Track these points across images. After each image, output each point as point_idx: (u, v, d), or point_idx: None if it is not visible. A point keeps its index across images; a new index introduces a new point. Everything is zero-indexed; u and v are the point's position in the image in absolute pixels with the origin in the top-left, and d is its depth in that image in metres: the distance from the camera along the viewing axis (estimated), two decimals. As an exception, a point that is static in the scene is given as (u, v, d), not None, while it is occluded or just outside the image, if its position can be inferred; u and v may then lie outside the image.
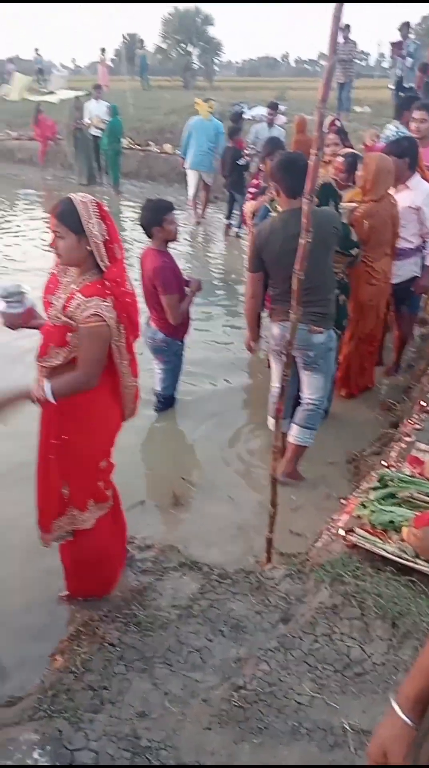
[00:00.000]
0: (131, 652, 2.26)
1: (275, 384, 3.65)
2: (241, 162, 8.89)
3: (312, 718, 1.97)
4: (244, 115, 11.20)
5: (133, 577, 2.85)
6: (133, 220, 10.01)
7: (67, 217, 2.21)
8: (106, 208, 2.30)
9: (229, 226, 9.53)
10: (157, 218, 3.84)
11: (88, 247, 2.24)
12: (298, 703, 2.02)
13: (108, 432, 2.58)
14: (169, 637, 2.31)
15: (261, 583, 2.55)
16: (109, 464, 2.63)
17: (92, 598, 2.75)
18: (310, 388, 3.54)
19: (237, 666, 2.18)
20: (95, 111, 12.48)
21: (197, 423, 4.40)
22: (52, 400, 2.33)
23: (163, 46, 37.66)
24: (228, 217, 9.53)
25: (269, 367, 3.93)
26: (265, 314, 4.10)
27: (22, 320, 2.53)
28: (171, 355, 4.25)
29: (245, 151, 9.11)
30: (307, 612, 2.34)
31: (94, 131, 12.57)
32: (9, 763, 1.79)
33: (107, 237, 2.26)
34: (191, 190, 10.30)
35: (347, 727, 1.92)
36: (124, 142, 12.91)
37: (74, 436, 2.45)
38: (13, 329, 2.57)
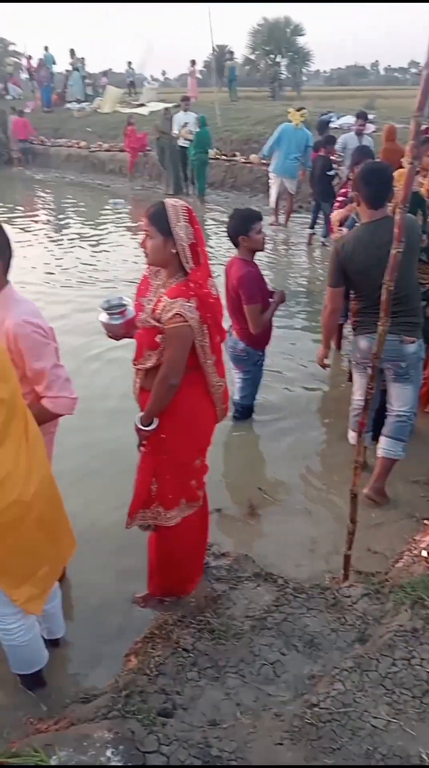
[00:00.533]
0: (204, 659, 2.26)
1: (357, 397, 3.58)
2: (331, 172, 8.82)
3: (387, 743, 1.91)
4: (330, 124, 11.13)
5: (208, 584, 2.85)
6: (217, 230, 10.12)
7: (156, 219, 2.32)
8: (194, 214, 2.38)
9: (312, 235, 9.47)
10: (244, 227, 3.86)
11: (174, 250, 2.33)
12: (373, 726, 1.96)
13: (203, 431, 2.64)
14: (242, 648, 2.30)
15: (337, 601, 2.50)
16: (204, 464, 2.67)
17: (171, 597, 2.78)
18: (401, 399, 3.45)
19: (310, 683, 2.15)
20: (183, 122, 12.74)
21: (275, 434, 4.38)
22: (146, 428, 2.46)
23: (252, 57, 37.92)
24: (312, 227, 9.47)
25: (350, 380, 3.86)
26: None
27: (123, 330, 2.67)
28: (251, 365, 4.25)
29: (332, 158, 9.03)
30: (385, 634, 2.27)
31: (182, 142, 12.83)
32: (84, 758, 1.83)
33: (193, 240, 2.35)
34: (273, 196, 10.32)
35: (425, 757, 1.85)
36: (211, 152, 13.09)
37: (171, 435, 2.51)
38: (115, 339, 2.72)
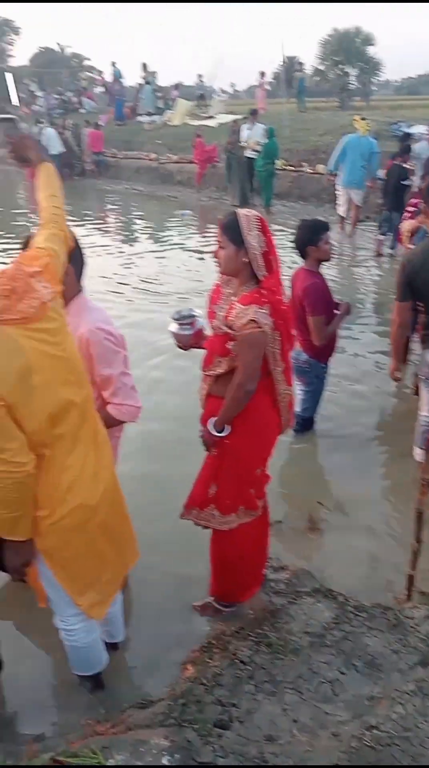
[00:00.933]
0: (261, 673, 2.25)
1: (425, 413, 3.49)
2: (406, 182, 8.67)
3: (450, 773, 1.84)
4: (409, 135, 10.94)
5: (266, 597, 2.84)
6: (283, 240, 10.10)
7: (229, 229, 2.36)
8: (267, 223, 2.40)
9: (381, 244, 9.31)
10: (312, 238, 3.84)
11: (245, 259, 2.36)
12: (436, 754, 1.90)
13: (267, 440, 2.65)
14: (300, 664, 2.27)
15: (399, 622, 2.44)
16: (265, 474, 2.67)
17: (229, 608, 2.78)
18: None
19: (370, 704, 2.10)
20: (251, 134, 12.82)
21: (336, 448, 4.32)
22: (219, 434, 2.50)
23: (321, 67, 37.77)
24: (384, 234, 9.29)
25: (416, 394, 3.78)
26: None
27: (192, 341, 2.74)
28: (313, 377, 4.21)
29: (407, 167, 8.86)
30: (449, 658, 2.20)
31: (249, 153, 12.90)
32: (140, 764, 1.85)
33: (266, 249, 2.37)
34: (342, 208, 10.22)
35: None
36: (278, 163, 13.10)
37: (235, 441, 2.52)
38: (184, 349, 2.78)
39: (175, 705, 2.13)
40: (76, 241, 2.31)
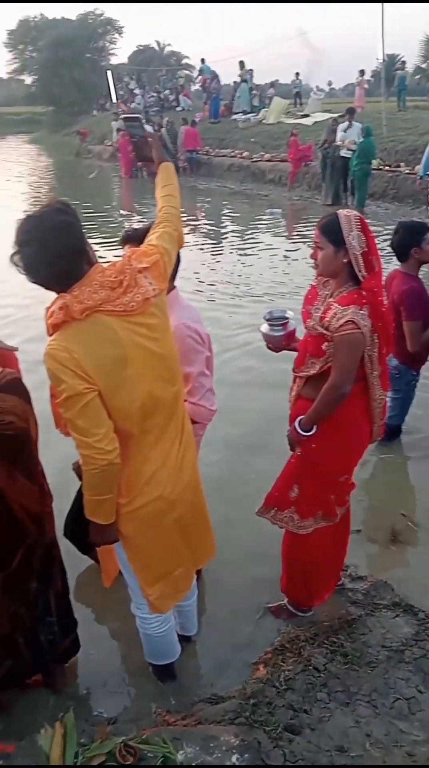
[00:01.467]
0: (335, 682, 2.21)
1: None
2: None
3: None
4: None
5: (342, 606, 2.78)
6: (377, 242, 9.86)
7: (328, 230, 2.32)
8: (367, 222, 2.35)
9: None
10: (416, 239, 3.71)
11: (345, 260, 2.32)
12: None
13: (355, 448, 2.59)
14: (376, 678, 2.22)
15: None
16: (349, 482, 2.61)
17: (303, 612, 2.76)
18: None
19: (448, 728, 2.02)
20: (347, 133, 12.59)
21: (423, 458, 4.17)
22: (305, 434, 2.46)
23: (423, 66, 36.62)
24: None
25: None
26: None
27: (283, 342, 2.70)
28: (403, 384, 4.08)
29: None
30: None
31: (344, 152, 12.68)
32: (209, 759, 1.86)
33: (366, 249, 2.32)
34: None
35: None
36: (374, 162, 12.81)
37: (321, 445, 2.49)
38: (273, 351, 2.76)
39: (246, 704, 2.13)
40: None
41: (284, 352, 2.77)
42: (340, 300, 2.33)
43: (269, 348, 2.77)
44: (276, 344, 2.73)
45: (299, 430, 2.48)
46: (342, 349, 2.32)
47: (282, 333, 2.68)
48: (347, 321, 2.26)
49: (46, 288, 1.85)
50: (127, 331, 1.87)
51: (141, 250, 2.00)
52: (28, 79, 46.08)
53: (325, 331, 2.33)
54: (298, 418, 2.49)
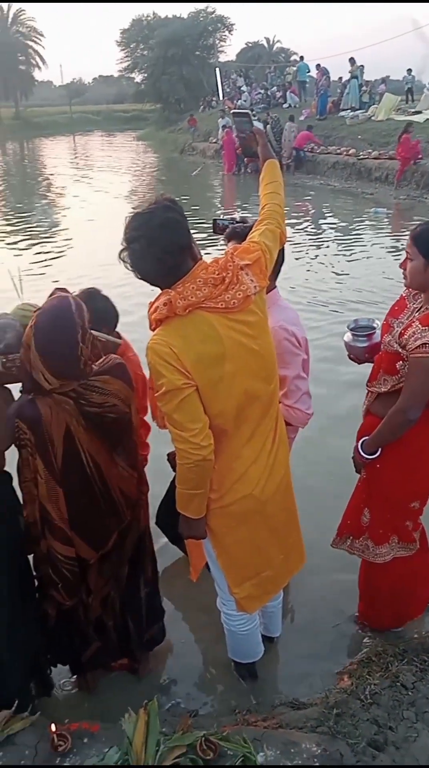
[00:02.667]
0: (424, 702, 2.12)
1: None
2: None
3: None
4: None
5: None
6: None
7: (421, 240, 2.15)
8: None
9: None
10: None
11: None
12: None
13: (422, 474, 2.41)
14: (470, 703, 2.10)
15: None
16: (421, 508, 2.48)
17: (394, 628, 2.67)
18: None
19: None
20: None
21: None
22: (368, 457, 2.37)
23: None
24: None
25: None
26: None
27: (367, 354, 2.56)
28: None
29: None
30: None
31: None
32: (289, 765, 1.83)
33: None
34: None
35: None
36: None
37: (388, 468, 2.38)
38: (356, 361, 2.63)
39: (329, 713, 2.08)
40: None
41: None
42: (423, 319, 2.15)
43: (351, 358, 2.64)
44: (358, 355, 2.59)
45: (362, 453, 2.39)
46: (415, 373, 2.16)
47: (365, 344, 2.54)
48: (423, 344, 2.09)
49: (151, 284, 1.88)
50: (226, 328, 1.87)
51: (243, 247, 1.99)
52: (137, 77, 47.27)
53: (400, 350, 2.18)
54: (362, 439, 2.39)
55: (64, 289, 2.01)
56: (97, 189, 18.46)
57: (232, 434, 2.00)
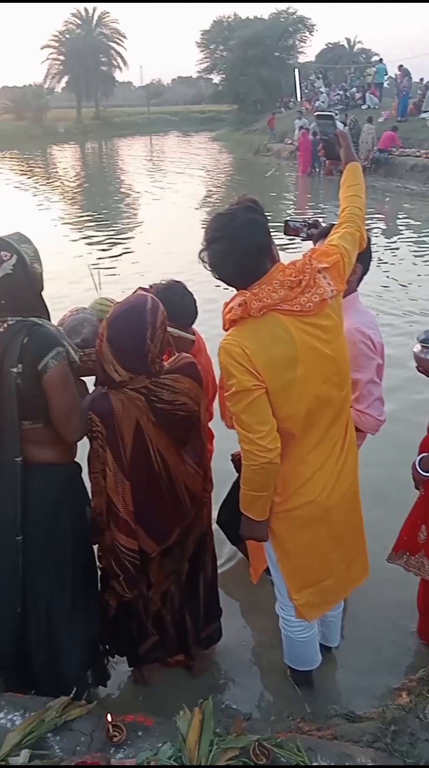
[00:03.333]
0: None
1: None
2: None
3: None
4: None
5: None
6: None
7: None
8: None
9: None
10: None
11: None
12: None
13: None
14: None
15: None
16: None
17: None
18: None
19: None
20: None
21: None
22: (425, 475, 2.31)
23: None
24: None
25: None
26: None
27: None
28: None
29: None
30: None
31: None
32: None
33: None
34: None
35: None
36: None
37: None
38: (425, 375, 2.53)
39: (386, 730, 2.02)
40: (369, 242, 2.26)
41: None
42: None
43: (419, 371, 2.54)
44: (427, 367, 2.49)
45: (419, 469, 2.32)
46: None
47: None
48: None
49: (228, 284, 1.88)
50: (300, 332, 1.85)
51: (321, 250, 1.97)
52: (216, 78, 47.64)
53: None
54: (421, 456, 2.32)
55: (146, 289, 2.05)
56: (171, 188, 18.70)
57: (300, 438, 1.98)
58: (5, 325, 1.91)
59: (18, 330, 1.91)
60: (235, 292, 1.90)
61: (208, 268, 1.82)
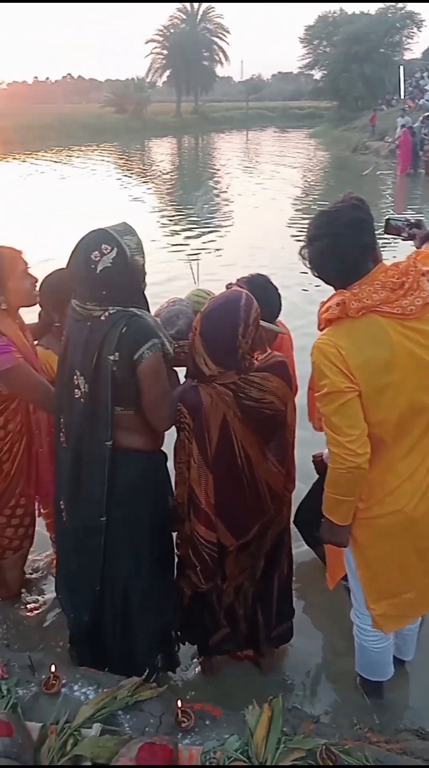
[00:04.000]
0: None
1: None
2: None
3: None
4: None
5: None
6: None
7: None
8: None
9: None
10: None
11: None
12: None
13: None
14: None
15: None
16: None
17: None
18: None
19: None
20: None
21: None
22: None
23: None
24: None
25: None
26: None
27: None
28: None
29: None
30: None
31: None
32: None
33: None
34: None
35: None
36: None
37: None
38: None
39: (459, 752, 1.96)
40: None
41: None
42: None
43: None
44: None
45: None
46: None
47: None
48: None
49: (327, 282, 1.86)
50: (399, 335, 1.81)
51: (426, 252, 1.91)
52: (317, 74, 47.02)
53: None
54: None
55: (241, 285, 2.06)
56: (264, 184, 18.64)
57: (391, 446, 1.93)
58: (106, 314, 1.97)
59: (118, 319, 1.96)
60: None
61: (308, 266, 1.81)
